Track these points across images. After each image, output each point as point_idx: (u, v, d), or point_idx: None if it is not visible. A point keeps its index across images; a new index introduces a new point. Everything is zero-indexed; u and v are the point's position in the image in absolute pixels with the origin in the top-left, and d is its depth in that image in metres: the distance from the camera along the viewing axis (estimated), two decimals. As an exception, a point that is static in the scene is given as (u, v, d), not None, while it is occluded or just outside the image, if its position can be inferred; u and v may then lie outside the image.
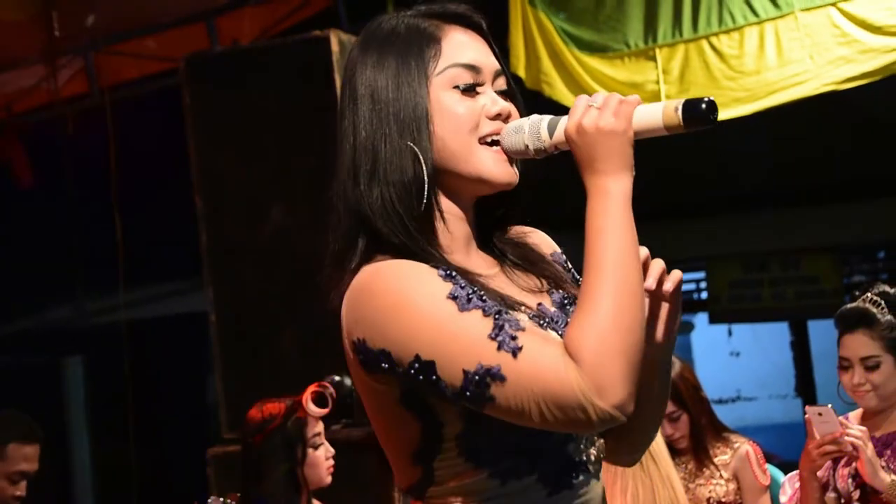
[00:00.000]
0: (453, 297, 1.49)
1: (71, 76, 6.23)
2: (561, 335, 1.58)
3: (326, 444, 3.52)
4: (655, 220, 7.51)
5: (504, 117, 1.63)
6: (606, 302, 1.46)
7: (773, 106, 4.69)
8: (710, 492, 3.95)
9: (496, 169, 1.62)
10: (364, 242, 1.60)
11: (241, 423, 3.68)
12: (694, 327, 12.09)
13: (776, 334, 11.63)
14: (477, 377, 1.47)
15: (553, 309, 1.65)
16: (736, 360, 12.93)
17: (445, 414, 1.55)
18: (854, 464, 3.32)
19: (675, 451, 3.92)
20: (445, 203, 1.63)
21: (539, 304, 1.64)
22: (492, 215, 1.71)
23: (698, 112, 1.54)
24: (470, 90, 1.62)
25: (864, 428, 3.33)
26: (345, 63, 1.69)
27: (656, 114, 1.56)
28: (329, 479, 3.51)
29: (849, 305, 3.48)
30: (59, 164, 6.25)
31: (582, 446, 1.62)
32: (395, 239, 1.58)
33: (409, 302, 1.50)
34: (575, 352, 1.44)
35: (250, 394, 3.90)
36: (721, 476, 3.96)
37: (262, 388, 3.94)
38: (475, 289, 1.52)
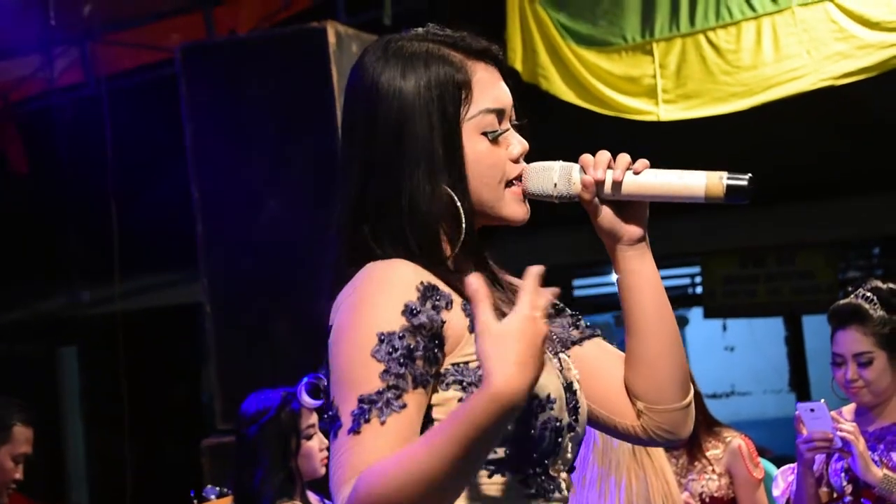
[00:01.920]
0: (380, 339, 1.49)
1: (67, 65, 6.22)
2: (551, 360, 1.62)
3: (320, 435, 3.52)
4: (651, 215, 7.51)
5: (524, 157, 1.67)
6: (429, 466, 1.39)
7: (769, 101, 4.69)
8: (702, 486, 3.96)
9: (516, 209, 1.66)
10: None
11: (235, 413, 3.68)
12: (688, 322, 12.09)
13: (771, 330, 11.62)
14: (331, 412, 1.51)
15: None
16: (730, 354, 12.93)
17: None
18: (847, 459, 3.33)
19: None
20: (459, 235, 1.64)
21: None
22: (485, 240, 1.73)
23: (742, 189, 1.62)
24: (496, 139, 1.64)
25: (854, 424, 3.34)
26: (356, 78, 1.64)
27: (699, 182, 1.63)
28: (323, 471, 3.51)
29: (841, 302, 3.48)
30: (55, 154, 6.24)
31: (559, 465, 1.62)
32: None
33: (358, 315, 1.51)
34: (359, 485, 1.42)
35: (245, 385, 3.90)
36: (713, 471, 3.97)
37: (256, 379, 3.94)
38: (407, 353, 1.49)
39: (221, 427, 4.61)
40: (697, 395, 4.08)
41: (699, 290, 9.81)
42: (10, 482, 3.95)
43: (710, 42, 4.78)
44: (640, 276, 1.71)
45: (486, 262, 1.72)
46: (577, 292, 10.61)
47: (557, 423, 1.57)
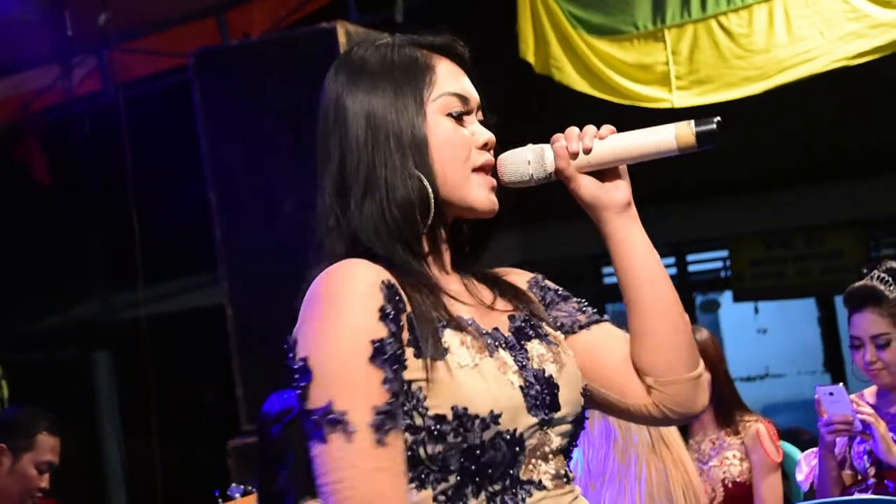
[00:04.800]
0: (374, 346, 1.50)
1: (85, 75, 6.27)
2: (515, 357, 1.60)
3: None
4: (676, 200, 7.48)
5: (490, 148, 1.69)
6: None
7: (783, 84, 4.66)
8: (724, 472, 3.95)
9: (483, 197, 1.67)
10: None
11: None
12: (720, 305, 12.03)
13: (803, 311, 11.53)
14: (330, 416, 1.49)
15: (508, 334, 1.65)
16: (763, 337, 12.85)
17: None
18: (868, 441, 3.32)
19: (687, 433, 3.93)
20: (432, 226, 1.66)
21: (494, 329, 1.65)
22: (466, 240, 1.75)
23: (712, 133, 1.63)
24: (460, 118, 1.67)
25: (872, 407, 3.33)
26: (325, 88, 1.70)
27: (668, 136, 1.64)
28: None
29: (856, 284, 3.47)
30: (76, 163, 6.28)
31: (531, 466, 1.59)
32: (388, 256, 1.60)
33: (338, 319, 1.52)
34: None
35: (268, 385, 3.92)
36: (735, 456, 3.96)
37: (279, 380, 3.95)
38: (396, 360, 1.51)
39: (246, 428, 4.64)
40: (728, 379, 4.06)
41: (729, 273, 9.76)
42: (35, 490, 3.95)
43: (722, 27, 4.75)
44: (631, 244, 1.71)
45: (463, 259, 1.73)
46: (606, 279, 10.58)
47: (509, 435, 1.54)
